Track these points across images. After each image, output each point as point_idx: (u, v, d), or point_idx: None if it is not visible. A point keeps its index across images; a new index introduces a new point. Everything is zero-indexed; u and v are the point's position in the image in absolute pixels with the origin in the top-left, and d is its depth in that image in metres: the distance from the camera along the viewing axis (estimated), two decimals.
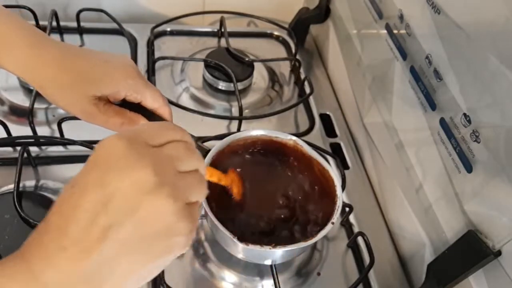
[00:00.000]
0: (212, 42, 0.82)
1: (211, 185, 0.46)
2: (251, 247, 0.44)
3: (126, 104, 0.45)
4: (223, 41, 0.79)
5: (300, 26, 0.83)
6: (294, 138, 0.53)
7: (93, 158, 0.30)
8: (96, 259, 0.27)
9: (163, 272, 0.50)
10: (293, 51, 0.81)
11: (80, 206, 0.27)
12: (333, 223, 0.46)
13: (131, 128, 0.32)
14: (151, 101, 0.45)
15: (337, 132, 0.71)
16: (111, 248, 0.27)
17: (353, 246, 0.57)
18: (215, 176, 0.46)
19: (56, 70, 0.42)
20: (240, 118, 0.65)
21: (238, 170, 0.50)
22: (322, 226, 0.46)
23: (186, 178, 0.31)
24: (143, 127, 0.33)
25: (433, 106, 0.49)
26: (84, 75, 0.42)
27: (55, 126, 0.60)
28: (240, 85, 0.70)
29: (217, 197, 0.48)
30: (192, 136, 0.48)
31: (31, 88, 0.63)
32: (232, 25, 0.81)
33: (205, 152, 0.48)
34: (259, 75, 0.76)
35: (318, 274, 0.54)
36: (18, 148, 0.55)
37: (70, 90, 0.42)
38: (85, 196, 0.28)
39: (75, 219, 0.27)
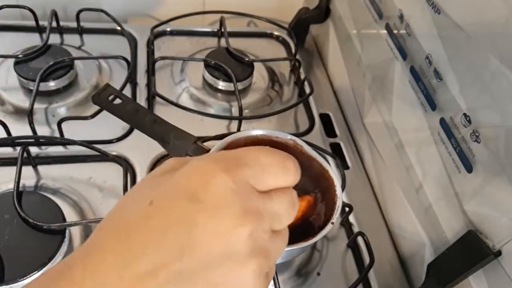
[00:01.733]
0: (212, 42, 0.82)
1: None
2: None
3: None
4: (223, 41, 0.79)
5: (300, 26, 0.83)
6: (294, 138, 0.53)
7: (186, 183, 0.25)
8: None
9: None
10: (293, 51, 0.81)
11: (155, 241, 0.24)
12: (333, 223, 0.46)
13: (237, 153, 0.27)
14: None
15: (337, 132, 0.71)
16: None
17: (353, 246, 0.57)
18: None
19: None
20: (240, 118, 0.65)
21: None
22: (322, 226, 0.46)
23: (275, 241, 0.27)
24: (251, 156, 0.27)
25: (433, 106, 0.49)
26: None
27: (55, 126, 0.60)
28: (240, 85, 0.70)
29: None
30: (192, 136, 0.48)
31: (31, 88, 0.62)
32: (232, 25, 0.81)
33: (205, 152, 0.48)
34: (259, 75, 0.76)
35: (318, 274, 0.54)
36: (18, 148, 0.54)
37: None
38: (165, 231, 0.24)
39: (145, 254, 0.23)
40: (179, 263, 0.23)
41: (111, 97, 0.48)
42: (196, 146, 0.48)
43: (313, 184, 0.52)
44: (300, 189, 0.53)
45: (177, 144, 0.47)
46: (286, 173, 0.28)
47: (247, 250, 0.24)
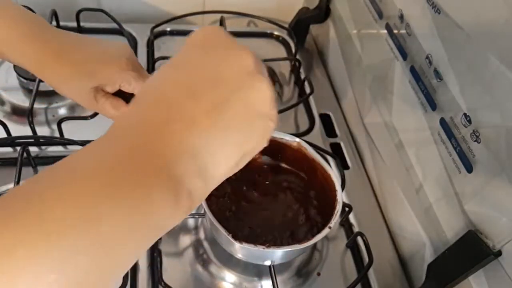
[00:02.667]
0: None
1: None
2: (245, 245, 0.44)
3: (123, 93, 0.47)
4: None
5: (300, 26, 0.83)
6: (298, 140, 0.53)
7: (193, 41, 0.30)
8: (204, 134, 0.26)
9: (161, 271, 0.50)
10: (293, 51, 0.81)
11: (193, 84, 0.28)
12: (330, 227, 0.46)
13: None
14: None
15: (337, 132, 0.71)
16: (218, 123, 0.27)
17: (353, 246, 0.57)
18: None
19: (55, 63, 0.44)
20: None
21: None
22: (321, 228, 0.46)
23: None
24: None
25: (433, 106, 0.49)
26: (81, 67, 0.44)
27: (55, 126, 0.60)
28: None
29: (219, 198, 0.48)
30: None
31: (31, 88, 0.62)
32: (232, 25, 0.81)
33: None
34: None
35: (318, 274, 0.54)
36: (18, 148, 0.54)
37: (69, 82, 0.45)
38: (194, 75, 0.28)
39: (186, 95, 0.27)
40: (214, 91, 0.27)
41: None
42: None
43: (314, 186, 0.53)
44: (300, 189, 0.53)
45: None
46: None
47: (257, 68, 0.29)
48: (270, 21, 0.83)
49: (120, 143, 0.25)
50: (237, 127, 0.28)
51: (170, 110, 0.27)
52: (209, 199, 0.47)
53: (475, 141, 0.42)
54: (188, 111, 0.27)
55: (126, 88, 0.46)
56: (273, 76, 0.77)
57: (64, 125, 0.59)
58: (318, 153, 0.53)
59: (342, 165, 0.62)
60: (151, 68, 0.72)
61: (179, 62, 0.30)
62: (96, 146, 0.25)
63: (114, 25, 0.76)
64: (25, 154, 0.55)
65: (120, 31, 0.76)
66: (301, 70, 0.77)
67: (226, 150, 0.28)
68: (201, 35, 0.30)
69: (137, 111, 0.28)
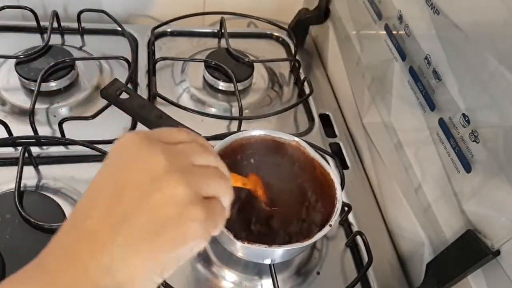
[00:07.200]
0: (212, 42, 0.82)
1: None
2: (248, 245, 0.44)
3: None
4: (223, 42, 0.79)
5: (299, 27, 0.83)
6: (297, 139, 0.53)
7: (108, 154, 0.30)
8: (111, 250, 0.26)
9: None
10: (293, 51, 0.81)
11: (96, 201, 0.28)
12: (331, 225, 0.46)
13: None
14: None
15: (337, 132, 0.71)
16: (125, 237, 0.27)
17: (352, 246, 0.58)
18: (239, 181, 0.45)
19: None
20: (240, 118, 0.65)
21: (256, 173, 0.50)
22: (321, 227, 0.47)
23: (202, 169, 0.30)
24: (159, 129, 0.33)
25: (432, 106, 0.49)
26: None
27: (56, 126, 0.60)
28: (240, 86, 0.70)
29: None
30: (197, 133, 0.48)
31: (32, 88, 0.63)
32: (232, 26, 0.81)
33: None
34: (259, 76, 0.76)
35: (318, 273, 0.54)
36: (19, 148, 0.55)
37: None
38: (100, 192, 0.28)
39: (91, 213, 0.27)
40: (119, 205, 0.27)
41: (118, 92, 0.48)
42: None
43: (314, 185, 0.53)
44: (299, 188, 0.53)
45: None
46: (189, 132, 0.33)
47: (164, 168, 0.28)
48: (270, 22, 0.83)
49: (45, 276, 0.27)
50: (144, 239, 0.27)
51: (79, 230, 0.27)
52: None
53: (473, 141, 0.42)
54: (94, 230, 0.27)
55: None
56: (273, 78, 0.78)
57: (65, 125, 0.59)
58: (318, 152, 0.53)
59: (342, 165, 0.62)
60: (151, 69, 0.73)
61: (93, 183, 0.29)
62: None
63: (115, 26, 0.76)
64: (26, 154, 0.55)
65: (121, 32, 0.76)
66: (301, 70, 0.78)
67: (137, 265, 0.27)
68: (114, 147, 0.30)
69: (56, 235, 0.28)
